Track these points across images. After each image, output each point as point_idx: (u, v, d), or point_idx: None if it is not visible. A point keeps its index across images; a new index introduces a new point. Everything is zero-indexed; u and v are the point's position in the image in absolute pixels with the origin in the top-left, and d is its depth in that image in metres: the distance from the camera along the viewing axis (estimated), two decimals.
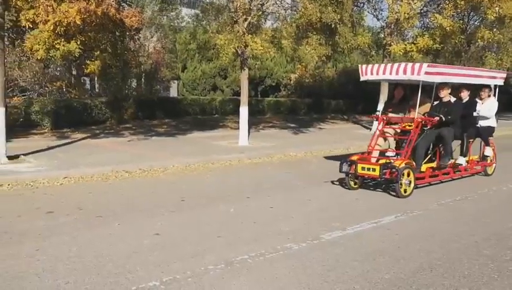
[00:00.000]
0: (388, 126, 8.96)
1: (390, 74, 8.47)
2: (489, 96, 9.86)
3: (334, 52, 15.96)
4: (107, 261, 4.84)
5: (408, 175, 7.91)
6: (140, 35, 18.70)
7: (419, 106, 8.58)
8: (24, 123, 16.23)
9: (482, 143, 10.32)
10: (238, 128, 14.54)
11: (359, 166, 8.15)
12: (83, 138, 14.77)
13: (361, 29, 17.70)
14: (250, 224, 6.27)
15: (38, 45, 13.48)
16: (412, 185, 7.96)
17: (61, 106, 17.39)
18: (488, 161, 10.26)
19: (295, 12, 14.47)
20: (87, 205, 7.11)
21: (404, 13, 15.88)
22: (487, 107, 9.76)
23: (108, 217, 6.47)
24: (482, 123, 9.84)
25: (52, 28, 12.50)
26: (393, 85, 9.70)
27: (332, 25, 13.10)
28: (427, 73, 8.05)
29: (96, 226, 6.04)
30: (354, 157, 8.53)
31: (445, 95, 8.86)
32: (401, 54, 17.51)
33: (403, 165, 7.84)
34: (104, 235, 5.70)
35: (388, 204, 7.53)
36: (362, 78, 9.09)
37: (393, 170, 7.78)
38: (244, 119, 14.13)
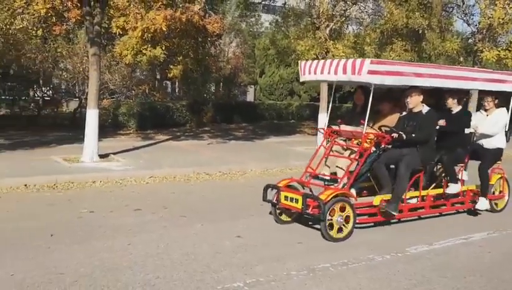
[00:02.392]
0: (338, 142, 6.86)
1: (329, 73, 6.42)
2: (497, 106, 7.27)
3: (420, 58, 15.38)
4: (193, 260, 5.01)
5: (343, 210, 5.87)
6: (220, 41, 19.20)
7: (385, 116, 6.91)
8: (112, 124, 17.20)
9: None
10: (316, 134, 14.48)
11: (282, 194, 6.25)
12: (165, 140, 15.38)
13: (449, 34, 16.97)
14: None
15: (127, 50, 14.28)
16: (352, 223, 5.90)
17: (145, 108, 18.26)
18: (497, 193, 7.63)
19: (379, 18, 14.20)
20: (171, 205, 7.40)
21: (499, 18, 15.00)
22: (492, 122, 7.16)
23: (192, 218, 6.68)
24: (485, 144, 7.24)
25: (140, 34, 13.18)
26: (354, 88, 7.51)
27: (420, 31, 12.68)
28: (370, 72, 5.83)
29: (180, 226, 6.27)
30: (283, 182, 6.50)
31: (415, 104, 6.50)
32: (494, 60, 16.50)
33: (331, 197, 5.74)
34: (188, 234, 5.90)
35: (478, 220, 7.17)
36: (302, 79, 7.12)
37: (318, 203, 5.74)
38: (323, 125, 14.05)
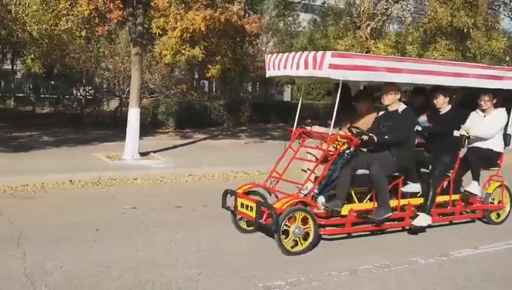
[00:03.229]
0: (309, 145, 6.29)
1: (291, 67, 5.79)
2: (496, 106, 6.48)
3: (464, 57, 14.92)
4: (233, 257, 5.06)
5: (304, 222, 5.20)
6: (258, 40, 19.26)
7: (362, 116, 6.29)
8: (151, 123, 17.52)
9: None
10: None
11: (239, 201, 5.70)
12: (203, 139, 15.56)
13: (496, 33, 16.43)
14: (376, 233, 6.10)
15: (166, 50, 14.51)
16: (312, 236, 5.25)
17: (183, 107, 18.51)
18: (496, 203, 6.83)
19: (422, 16, 13.91)
20: (210, 203, 7.44)
21: None
22: (489, 123, 6.44)
23: (230, 216, 6.73)
24: (480, 146, 6.48)
25: (179, 34, 13.38)
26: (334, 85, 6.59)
27: (465, 29, 12.33)
28: (332, 66, 5.19)
29: (220, 224, 6.30)
30: (244, 187, 5.94)
31: (391, 102, 5.87)
32: None
33: (286, 206, 5.17)
34: (228, 232, 5.94)
35: None
36: (267, 74, 6.52)
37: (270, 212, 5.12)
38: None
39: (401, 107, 5.90)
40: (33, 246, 5.11)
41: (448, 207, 6.51)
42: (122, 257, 4.90)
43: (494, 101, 6.40)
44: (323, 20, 14.42)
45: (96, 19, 13.82)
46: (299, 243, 5.21)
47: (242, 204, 5.64)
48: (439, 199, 6.32)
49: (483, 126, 6.38)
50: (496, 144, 6.42)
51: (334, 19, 13.61)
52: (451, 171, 6.40)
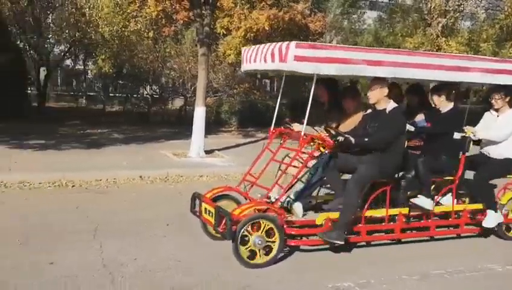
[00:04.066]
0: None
1: (260, 61, 5.29)
2: (511, 104, 5.67)
3: None
4: (303, 258, 5.04)
5: (268, 233, 4.65)
6: (322, 39, 19.09)
7: (349, 115, 5.68)
8: (214, 121, 17.82)
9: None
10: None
11: (203, 206, 5.18)
12: (265, 138, 15.59)
13: None
14: (448, 237, 5.88)
15: (230, 50, 14.75)
16: (277, 248, 4.68)
17: (246, 106, 18.68)
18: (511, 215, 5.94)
19: (498, 13, 13.21)
20: None
21: None
22: (502, 124, 5.64)
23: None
24: (491, 152, 5.71)
25: (243, 34, 13.56)
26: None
27: None
28: (298, 58, 4.66)
29: None
30: (215, 191, 5.39)
31: (376, 99, 5.17)
32: None
33: (245, 213, 4.68)
34: None
35: None
36: (242, 68, 6.05)
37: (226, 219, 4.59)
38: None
39: (390, 105, 5.14)
40: (107, 239, 5.34)
41: (451, 219, 5.73)
42: (191, 252, 5.02)
43: (508, 99, 5.58)
44: (390, 17, 14.04)
45: (163, 20, 14.27)
46: (258, 255, 4.61)
47: (205, 209, 5.13)
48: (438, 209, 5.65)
49: (496, 128, 5.60)
50: (508, 150, 5.56)
51: (402, 16, 13.20)
52: (451, 176, 5.59)
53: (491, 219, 5.49)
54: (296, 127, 5.55)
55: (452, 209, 5.66)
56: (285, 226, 4.78)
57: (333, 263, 4.91)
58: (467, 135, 5.39)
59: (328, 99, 5.94)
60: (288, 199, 5.17)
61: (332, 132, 5.15)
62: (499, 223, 5.59)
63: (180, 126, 15.86)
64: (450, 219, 5.74)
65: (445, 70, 5.17)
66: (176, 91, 20.01)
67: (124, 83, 21.59)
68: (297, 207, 5.23)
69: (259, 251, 4.59)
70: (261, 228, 4.55)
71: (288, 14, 13.90)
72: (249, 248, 4.55)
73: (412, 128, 5.70)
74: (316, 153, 5.10)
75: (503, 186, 6.04)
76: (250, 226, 4.52)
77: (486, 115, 5.90)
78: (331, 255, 5.12)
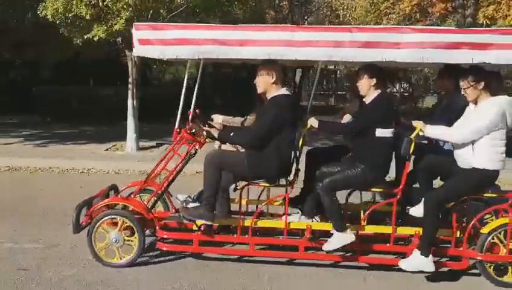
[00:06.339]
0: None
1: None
2: (492, 92, 3.75)
3: None
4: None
5: (131, 232, 4.06)
6: None
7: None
8: None
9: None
10: None
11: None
12: None
13: None
14: None
15: None
16: (137, 247, 3.98)
17: None
18: (502, 250, 3.80)
19: None
20: None
21: None
22: (473, 120, 3.76)
23: None
24: (459, 161, 3.84)
25: None
26: None
27: None
28: (142, 42, 3.93)
29: None
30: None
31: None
32: None
33: (97, 209, 4.12)
34: None
35: None
36: None
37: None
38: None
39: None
40: None
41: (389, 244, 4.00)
42: None
43: (482, 85, 3.72)
44: None
45: (418, 14, 13.70)
46: (117, 253, 4.05)
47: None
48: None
49: (461, 125, 3.86)
50: (480, 159, 3.72)
51: None
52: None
53: (413, 262, 3.74)
54: (215, 118, 4.72)
55: (392, 232, 3.95)
56: (157, 228, 4.11)
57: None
58: (411, 136, 3.79)
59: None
60: (187, 198, 4.45)
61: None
62: (480, 261, 3.80)
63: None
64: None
65: (356, 47, 3.63)
66: (429, 89, 19.13)
67: None
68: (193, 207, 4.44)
69: (117, 249, 4.06)
70: (119, 225, 4.06)
71: None
72: (108, 245, 4.06)
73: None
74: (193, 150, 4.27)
75: (493, 207, 3.98)
76: (106, 223, 4.06)
77: (466, 110, 3.97)
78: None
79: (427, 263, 3.68)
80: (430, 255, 3.69)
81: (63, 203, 5.57)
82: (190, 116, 4.30)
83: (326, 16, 16.91)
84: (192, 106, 4.35)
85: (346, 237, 3.81)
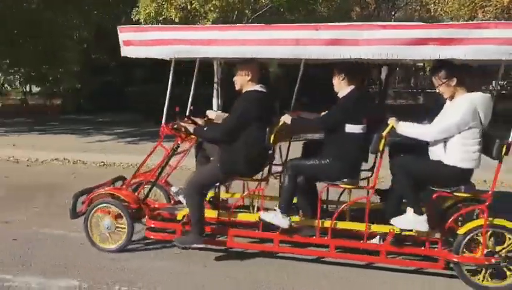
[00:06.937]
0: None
1: None
2: (469, 88, 3.66)
3: None
4: None
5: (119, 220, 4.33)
6: None
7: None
8: None
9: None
10: None
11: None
12: None
13: None
14: None
15: None
16: (127, 234, 4.29)
17: None
18: (477, 252, 3.65)
19: None
20: None
21: None
22: (447, 115, 3.72)
23: None
24: (431, 155, 3.77)
25: None
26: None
27: None
28: (126, 43, 4.23)
29: None
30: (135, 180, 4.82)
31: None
32: None
33: (92, 197, 4.51)
34: None
35: None
36: None
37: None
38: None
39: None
40: None
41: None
42: None
43: (454, 81, 3.69)
44: None
45: None
46: (109, 239, 4.42)
47: None
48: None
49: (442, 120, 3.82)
50: (451, 155, 3.68)
51: None
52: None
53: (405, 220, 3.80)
54: (209, 114, 4.90)
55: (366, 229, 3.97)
56: (147, 217, 4.43)
57: None
58: (383, 133, 3.78)
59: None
60: (179, 190, 4.64)
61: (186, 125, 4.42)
62: (457, 263, 3.73)
63: None
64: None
65: (319, 44, 3.70)
66: None
67: None
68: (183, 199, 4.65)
69: (109, 235, 4.41)
70: (110, 213, 4.38)
71: None
72: (102, 231, 4.42)
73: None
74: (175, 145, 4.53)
75: (471, 207, 3.85)
76: (100, 211, 4.40)
77: (444, 106, 3.95)
78: None
79: (421, 221, 3.71)
80: (424, 215, 3.72)
81: None
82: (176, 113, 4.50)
83: (416, 10, 16.22)
84: (189, 103, 4.71)
85: (281, 221, 3.95)
